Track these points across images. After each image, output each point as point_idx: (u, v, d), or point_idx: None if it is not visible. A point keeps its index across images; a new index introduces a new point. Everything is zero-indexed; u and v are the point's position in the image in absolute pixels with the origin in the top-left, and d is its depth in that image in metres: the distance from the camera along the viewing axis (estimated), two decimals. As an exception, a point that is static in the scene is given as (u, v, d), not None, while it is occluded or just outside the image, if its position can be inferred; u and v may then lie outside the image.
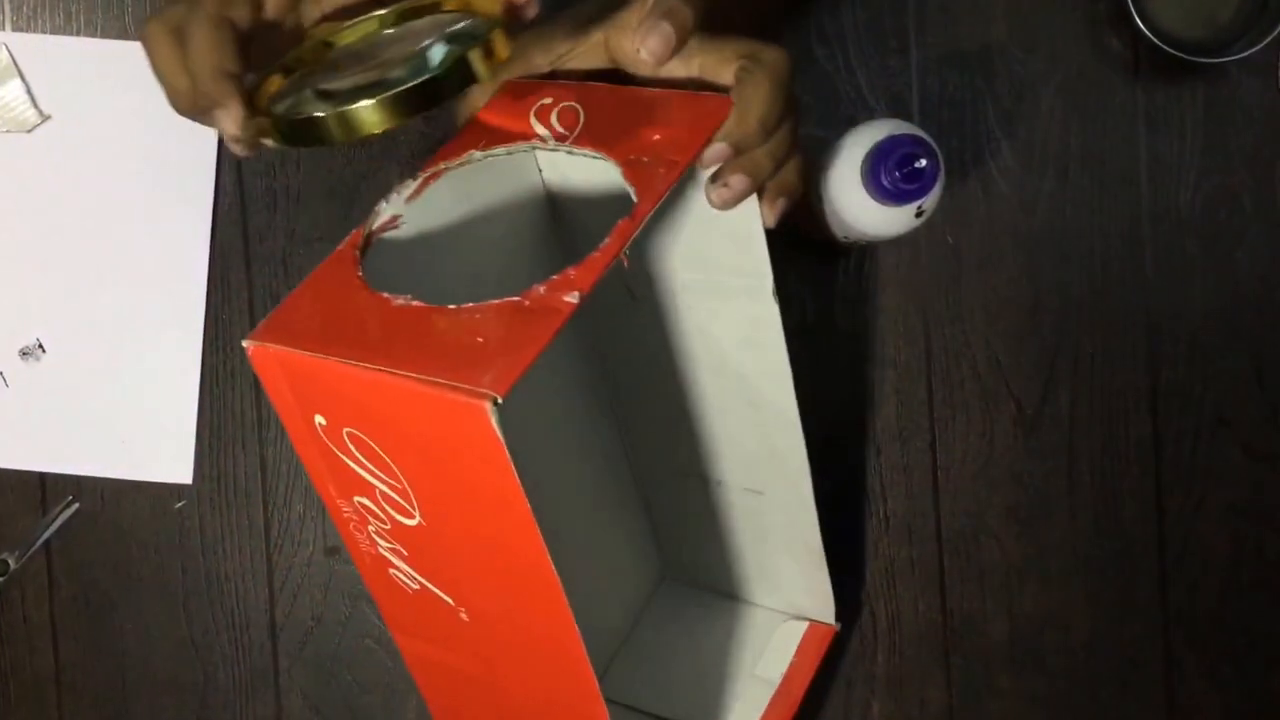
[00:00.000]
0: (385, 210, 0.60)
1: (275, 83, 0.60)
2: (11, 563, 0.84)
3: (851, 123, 0.72)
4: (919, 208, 0.70)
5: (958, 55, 0.84)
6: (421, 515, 0.57)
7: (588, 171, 0.62)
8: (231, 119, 0.55)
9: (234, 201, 0.84)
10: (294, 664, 0.85)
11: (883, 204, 0.69)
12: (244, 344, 0.55)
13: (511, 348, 0.49)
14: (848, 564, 0.85)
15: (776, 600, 0.82)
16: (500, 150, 0.62)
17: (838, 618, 0.80)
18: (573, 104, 0.62)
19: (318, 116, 0.54)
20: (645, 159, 0.57)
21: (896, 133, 0.68)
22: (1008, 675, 0.86)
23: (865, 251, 0.85)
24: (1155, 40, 0.77)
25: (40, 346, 0.84)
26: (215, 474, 0.85)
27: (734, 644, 0.81)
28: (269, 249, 0.84)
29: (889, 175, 0.67)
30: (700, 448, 0.77)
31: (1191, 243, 0.85)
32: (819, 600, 0.79)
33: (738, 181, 0.59)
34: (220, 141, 0.83)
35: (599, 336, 0.77)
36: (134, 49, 0.83)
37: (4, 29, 0.83)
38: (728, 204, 0.59)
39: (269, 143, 0.56)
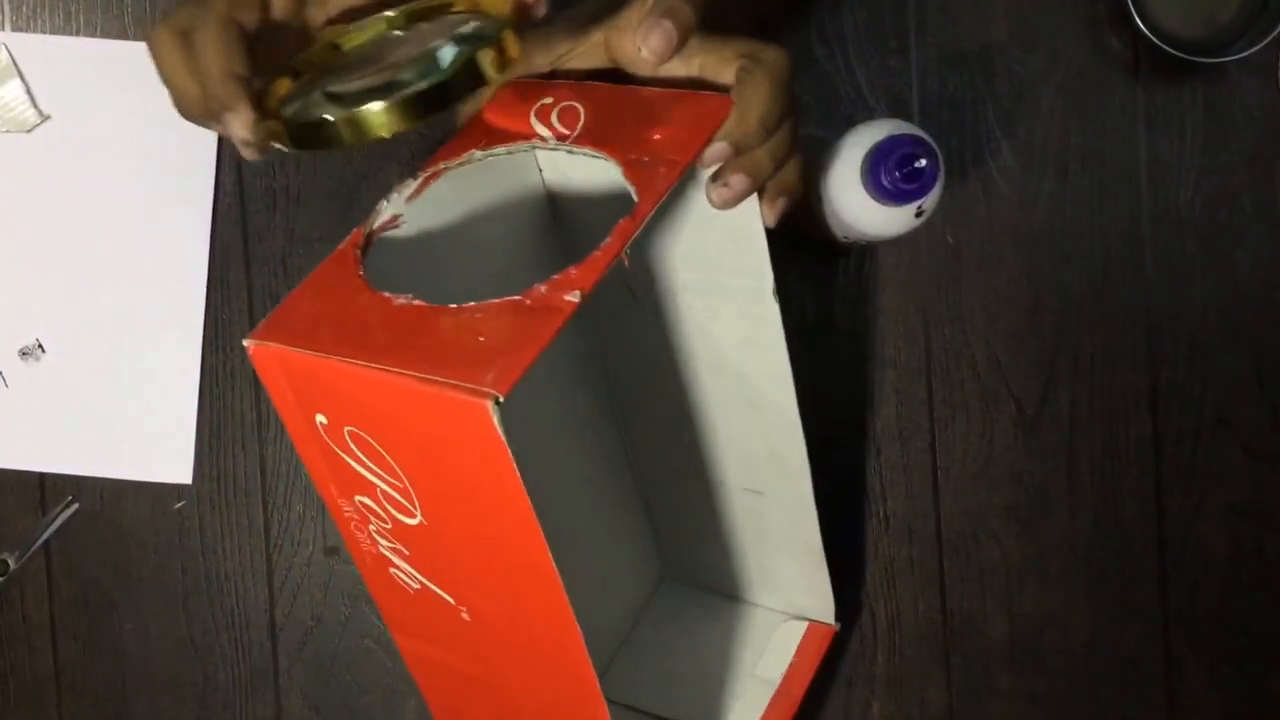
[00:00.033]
0: (386, 209, 0.60)
1: (284, 86, 0.59)
2: (11, 563, 0.84)
3: (851, 123, 0.72)
4: (919, 208, 0.70)
5: (958, 55, 0.84)
6: (423, 514, 0.57)
7: (588, 171, 0.62)
8: (242, 122, 0.55)
9: (234, 201, 0.84)
10: (294, 664, 0.85)
11: (883, 204, 0.69)
12: (245, 343, 0.55)
13: (513, 347, 0.49)
14: (848, 564, 0.85)
15: (776, 600, 0.82)
16: (501, 150, 0.62)
17: (838, 618, 0.80)
18: (573, 103, 0.62)
19: (328, 120, 0.54)
20: (646, 158, 0.57)
21: (896, 133, 0.68)
22: (1008, 675, 0.86)
23: (865, 251, 0.85)
24: (1155, 40, 0.77)
25: (40, 346, 0.84)
26: (215, 474, 0.85)
27: (734, 644, 0.81)
28: (268, 249, 0.84)
29: (889, 175, 0.67)
30: (700, 448, 0.77)
31: (1191, 243, 0.85)
32: (819, 600, 0.79)
33: (738, 181, 0.59)
34: (220, 141, 0.83)
35: (599, 336, 0.77)
36: (134, 49, 0.84)
37: (4, 29, 0.83)
38: (728, 203, 0.59)
39: (279, 146, 0.56)
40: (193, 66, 0.56)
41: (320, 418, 0.56)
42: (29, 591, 0.85)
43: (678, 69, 0.61)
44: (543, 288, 0.52)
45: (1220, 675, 0.87)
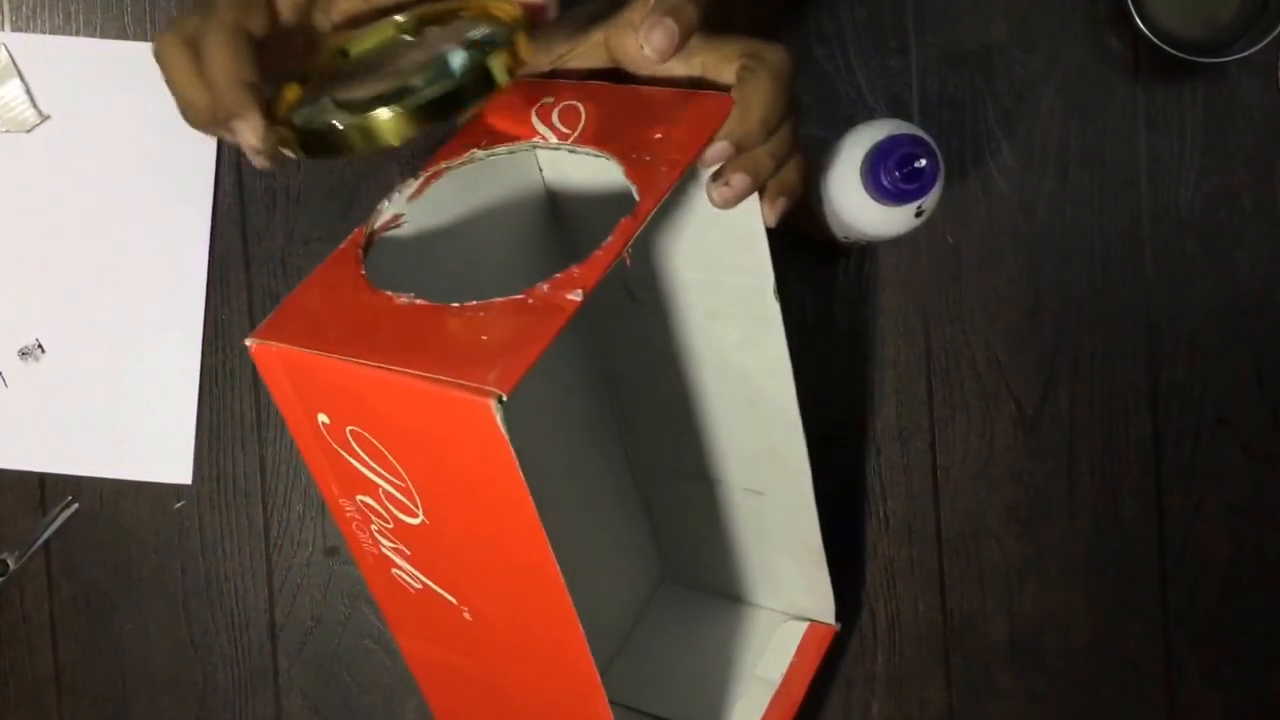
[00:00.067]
0: (387, 209, 0.60)
1: (293, 92, 0.59)
2: (11, 563, 0.84)
3: (851, 123, 0.72)
4: (919, 208, 0.70)
5: (958, 55, 0.84)
6: (425, 514, 0.57)
7: (589, 170, 0.62)
8: (251, 129, 0.54)
9: (233, 202, 0.84)
10: (293, 664, 0.85)
11: (882, 204, 0.69)
12: (247, 342, 0.55)
13: (515, 345, 0.49)
14: (848, 564, 0.85)
15: (777, 600, 0.82)
16: (502, 149, 0.62)
17: (838, 618, 0.80)
18: (574, 103, 0.62)
19: (337, 127, 0.54)
20: (647, 158, 0.57)
21: (896, 133, 0.68)
22: (1008, 675, 0.86)
23: (865, 251, 0.85)
24: (1155, 40, 0.77)
25: (40, 346, 0.84)
26: (215, 474, 0.85)
27: (734, 644, 0.81)
28: (268, 249, 0.84)
29: (889, 175, 0.67)
30: (701, 448, 0.77)
31: (1191, 243, 0.86)
32: (819, 600, 0.79)
33: (739, 180, 0.59)
34: (220, 142, 0.83)
35: (600, 336, 0.77)
36: (134, 49, 0.84)
37: (4, 29, 0.83)
38: (729, 203, 0.59)
39: (288, 153, 0.56)
40: (201, 74, 0.56)
41: (322, 417, 0.56)
42: (29, 591, 0.85)
43: (679, 68, 0.61)
44: (545, 287, 0.52)
45: (1220, 675, 0.87)
